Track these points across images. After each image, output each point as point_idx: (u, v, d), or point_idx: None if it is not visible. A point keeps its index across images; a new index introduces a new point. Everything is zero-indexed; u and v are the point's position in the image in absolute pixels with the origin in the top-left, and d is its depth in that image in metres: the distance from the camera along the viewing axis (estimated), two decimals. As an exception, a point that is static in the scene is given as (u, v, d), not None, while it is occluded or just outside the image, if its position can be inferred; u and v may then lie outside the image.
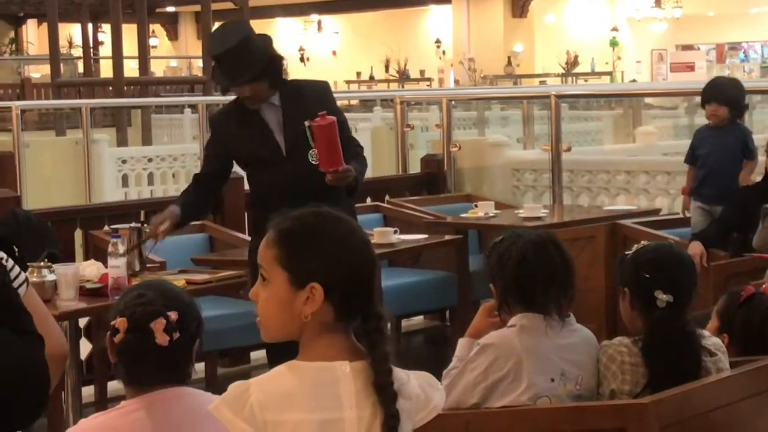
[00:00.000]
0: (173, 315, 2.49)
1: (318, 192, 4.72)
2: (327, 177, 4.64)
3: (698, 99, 14.05)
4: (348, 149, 4.76)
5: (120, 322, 2.49)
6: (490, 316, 3.31)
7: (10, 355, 2.28)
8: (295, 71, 11.24)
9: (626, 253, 3.29)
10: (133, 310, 2.50)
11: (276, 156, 4.77)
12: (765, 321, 3.30)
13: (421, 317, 7.81)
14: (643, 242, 3.31)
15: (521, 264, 3.16)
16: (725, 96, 6.19)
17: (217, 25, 27.94)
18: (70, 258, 5.94)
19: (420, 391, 2.18)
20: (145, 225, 5.04)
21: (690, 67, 25.12)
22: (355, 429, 2.10)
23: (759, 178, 6.07)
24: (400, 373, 2.17)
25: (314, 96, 4.83)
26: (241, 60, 4.65)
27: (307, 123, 4.61)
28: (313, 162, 4.66)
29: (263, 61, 4.70)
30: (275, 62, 4.77)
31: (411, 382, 2.18)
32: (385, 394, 2.10)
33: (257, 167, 4.85)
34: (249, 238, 6.52)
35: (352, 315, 2.13)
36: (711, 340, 3.13)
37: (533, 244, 3.19)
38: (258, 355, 6.61)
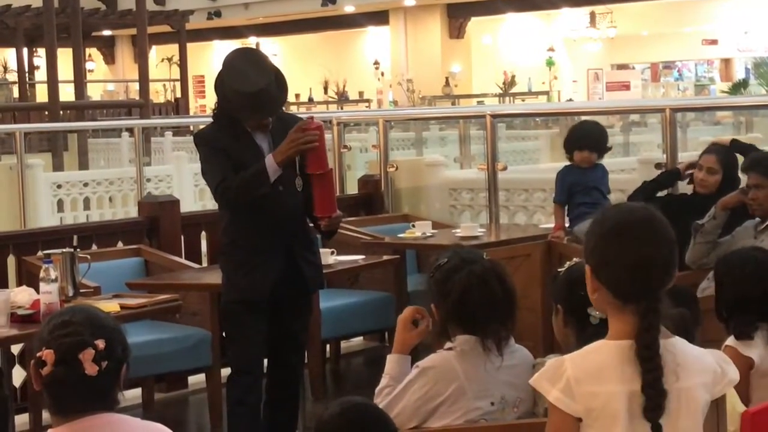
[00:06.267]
0: (101, 343, 2.44)
1: (301, 218, 4.80)
2: (322, 222, 4.75)
3: (633, 117, 14.11)
4: None
5: (47, 354, 2.45)
6: (412, 328, 3.33)
7: None
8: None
9: (559, 270, 3.30)
10: (60, 342, 2.45)
11: None
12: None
13: (360, 338, 7.80)
14: (575, 259, 3.31)
15: (464, 296, 3.19)
16: (594, 143, 6.68)
17: (156, 48, 27.43)
18: (3, 284, 5.87)
19: (717, 366, 2.46)
20: (78, 249, 4.97)
21: (625, 86, 25.41)
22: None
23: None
24: (685, 348, 2.43)
25: None
26: (278, 92, 4.67)
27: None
28: (298, 189, 4.73)
29: (287, 90, 4.78)
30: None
31: (706, 358, 2.46)
32: (645, 367, 2.35)
33: None
34: (186, 262, 6.47)
35: (627, 298, 2.41)
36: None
37: (477, 278, 3.21)
38: (196, 380, 6.55)
